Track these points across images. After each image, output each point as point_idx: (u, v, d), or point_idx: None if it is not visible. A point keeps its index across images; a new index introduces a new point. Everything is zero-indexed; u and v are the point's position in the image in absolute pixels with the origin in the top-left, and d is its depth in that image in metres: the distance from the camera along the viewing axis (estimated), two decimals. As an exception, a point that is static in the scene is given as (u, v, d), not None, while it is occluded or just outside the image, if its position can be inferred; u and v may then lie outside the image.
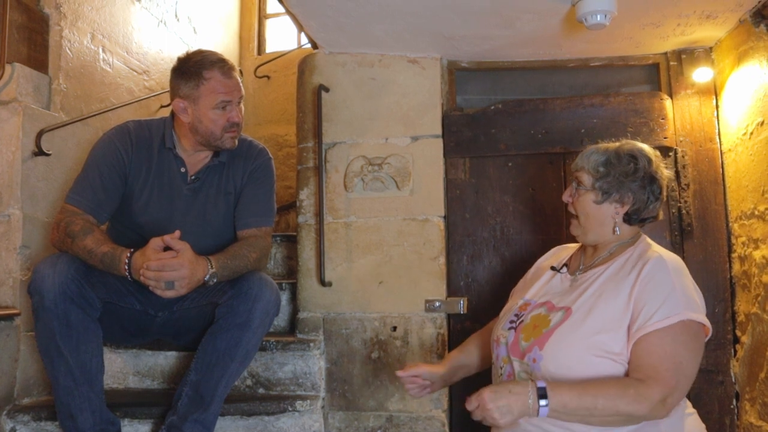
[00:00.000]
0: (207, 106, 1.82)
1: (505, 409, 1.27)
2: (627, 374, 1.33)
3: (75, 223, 1.75)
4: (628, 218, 1.51)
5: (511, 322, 1.53)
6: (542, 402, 1.25)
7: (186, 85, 1.83)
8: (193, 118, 1.84)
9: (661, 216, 1.56)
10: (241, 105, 1.89)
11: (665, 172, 1.53)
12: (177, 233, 1.68)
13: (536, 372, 1.39)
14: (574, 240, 1.65)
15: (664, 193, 1.54)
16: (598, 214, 1.51)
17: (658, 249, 1.47)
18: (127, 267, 1.68)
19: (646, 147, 1.54)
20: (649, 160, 1.51)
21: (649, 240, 1.53)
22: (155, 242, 1.67)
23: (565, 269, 1.60)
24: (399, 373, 1.65)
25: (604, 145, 1.56)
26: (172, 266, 1.64)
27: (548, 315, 1.46)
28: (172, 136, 1.92)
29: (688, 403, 1.43)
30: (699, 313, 1.34)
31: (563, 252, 1.71)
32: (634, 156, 1.50)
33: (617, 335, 1.34)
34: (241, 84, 1.89)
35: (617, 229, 1.50)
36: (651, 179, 1.50)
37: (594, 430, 1.31)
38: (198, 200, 1.93)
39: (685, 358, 1.29)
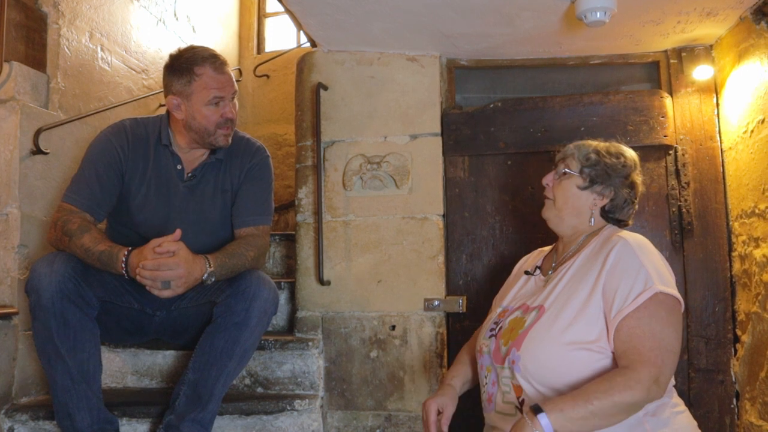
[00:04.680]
0: (200, 102, 1.81)
1: None
2: (612, 363, 1.33)
3: (72, 221, 1.74)
4: (603, 214, 1.55)
5: (491, 330, 1.55)
6: (540, 415, 1.23)
7: (178, 82, 1.82)
8: (186, 114, 1.84)
9: (631, 222, 1.60)
10: (235, 101, 1.89)
11: (640, 183, 1.59)
12: (178, 232, 1.67)
13: (516, 373, 1.39)
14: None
15: (637, 202, 1.59)
16: (578, 201, 1.54)
17: (621, 233, 1.48)
18: (124, 265, 1.67)
19: (632, 151, 1.60)
20: (634, 165, 1.58)
21: (614, 227, 1.56)
22: (155, 242, 1.65)
23: (538, 271, 1.62)
24: None
25: (592, 141, 1.61)
26: (168, 265, 1.63)
27: (523, 317, 1.47)
28: (168, 134, 1.91)
29: (679, 401, 1.43)
30: (671, 287, 1.35)
31: (537, 256, 1.73)
32: (623, 154, 1.57)
33: (590, 322, 1.35)
34: (233, 79, 1.88)
35: (592, 220, 1.54)
36: (631, 183, 1.56)
37: None
38: (195, 198, 1.93)
39: (666, 335, 1.30)
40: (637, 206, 1.59)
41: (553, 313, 1.40)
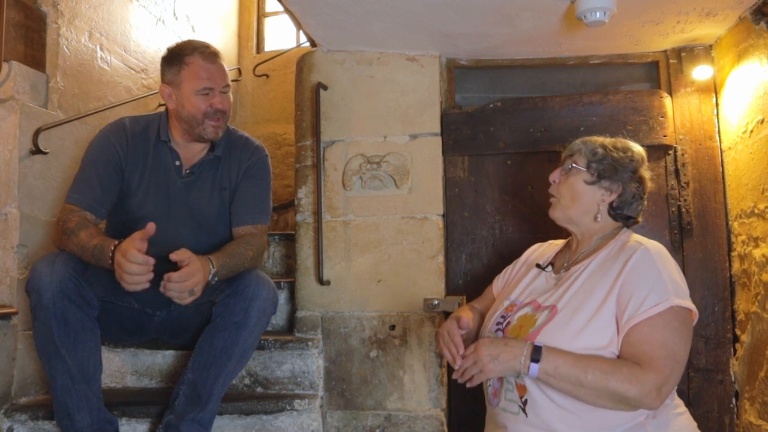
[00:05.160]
0: (189, 90, 1.82)
1: (495, 356, 1.32)
2: None
3: (71, 220, 1.74)
4: (612, 211, 1.53)
5: (498, 324, 1.53)
6: (534, 363, 1.29)
7: (169, 71, 1.85)
8: (177, 103, 1.85)
9: (641, 220, 1.58)
10: (229, 94, 1.89)
11: (649, 179, 1.57)
12: (150, 226, 1.58)
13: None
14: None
15: (646, 197, 1.57)
16: (585, 197, 1.52)
17: (640, 239, 1.47)
18: (111, 257, 1.63)
19: (639, 146, 1.59)
20: (642, 159, 1.56)
21: (630, 232, 1.54)
22: (137, 235, 1.59)
23: (550, 268, 1.60)
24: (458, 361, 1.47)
25: (598, 137, 1.59)
26: (191, 273, 1.62)
27: (534, 314, 1.46)
28: (166, 129, 1.92)
29: (679, 402, 1.43)
30: (686, 299, 1.35)
31: (548, 249, 1.71)
32: (630, 149, 1.55)
33: (602, 327, 1.35)
34: (226, 72, 1.88)
35: (599, 216, 1.52)
36: (639, 178, 1.54)
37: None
38: (192, 194, 1.93)
39: (677, 345, 1.30)
40: (646, 202, 1.57)
41: (566, 315, 1.39)
